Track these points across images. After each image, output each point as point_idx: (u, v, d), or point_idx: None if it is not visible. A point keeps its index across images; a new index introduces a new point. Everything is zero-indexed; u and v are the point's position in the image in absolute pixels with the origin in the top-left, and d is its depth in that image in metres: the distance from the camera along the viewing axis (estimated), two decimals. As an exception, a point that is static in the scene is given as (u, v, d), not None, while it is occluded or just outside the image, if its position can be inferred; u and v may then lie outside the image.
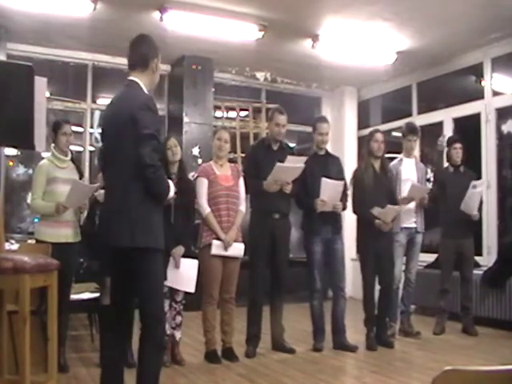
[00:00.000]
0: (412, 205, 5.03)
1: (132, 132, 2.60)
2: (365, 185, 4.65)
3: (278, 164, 4.24)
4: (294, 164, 4.30)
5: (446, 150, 5.55)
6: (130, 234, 2.59)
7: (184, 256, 4.03)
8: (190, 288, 4.03)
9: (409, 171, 5.13)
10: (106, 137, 2.82)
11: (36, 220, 4.77)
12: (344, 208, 4.66)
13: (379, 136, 4.77)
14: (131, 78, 2.77)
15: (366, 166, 4.74)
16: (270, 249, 4.43)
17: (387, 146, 4.91)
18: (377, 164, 4.76)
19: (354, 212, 4.82)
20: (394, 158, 5.27)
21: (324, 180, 4.42)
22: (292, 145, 8.17)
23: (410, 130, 5.28)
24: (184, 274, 4.01)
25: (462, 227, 5.19)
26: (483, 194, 6.13)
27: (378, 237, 4.64)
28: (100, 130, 2.98)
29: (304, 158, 4.39)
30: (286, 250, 4.59)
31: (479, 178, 5.66)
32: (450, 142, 5.47)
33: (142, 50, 2.78)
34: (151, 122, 2.63)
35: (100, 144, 3.02)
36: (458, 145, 5.34)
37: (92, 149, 6.91)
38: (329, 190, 4.43)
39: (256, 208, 4.51)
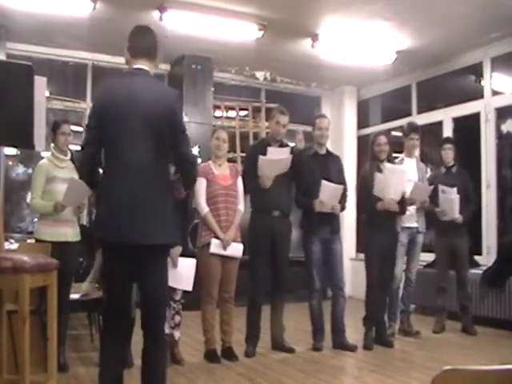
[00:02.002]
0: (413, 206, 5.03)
1: (165, 128, 2.49)
2: (371, 188, 4.62)
3: (261, 157, 4.23)
4: (278, 156, 4.28)
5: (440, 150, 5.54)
6: (166, 231, 2.51)
7: (181, 255, 4.03)
8: (188, 286, 4.03)
9: (410, 171, 5.11)
10: (117, 128, 2.49)
11: (36, 220, 4.77)
12: (342, 209, 4.66)
13: (381, 139, 4.74)
14: (140, 66, 2.59)
15: (370, 170, 4.71)
16: (270, 248, 4.43)
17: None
18: (383, 165, 4.76)
19: (361, 213, 4.81)
20: (395, 158, 5.26)
21: (324, 183, 4.42)
22: (291, 144, 8.19)
23: (412, 128, 5.28)
24: (182, 273, 4.00)
25: (453, 226, 5.19)
26: (482, 194, 6.17)
27: (384, 236, 4.65)
28: (98, 117, 2.53)
29: (288, 149, 4.34)
30: (287, 249, 4.58)
31: (475, 177, 5.65)
32: (441, 142, 5.49)
33: (151, 40, 2.66)
34: (183, 119, 2.59)
35: (92, 132, 2.56)
36: (448, 145, 5.36)
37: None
38: (328, 192, 4.43)
39: (256, 206, 4.50)
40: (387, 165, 4.61)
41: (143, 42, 2.63)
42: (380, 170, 4.66)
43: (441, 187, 5.13)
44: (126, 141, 2.48)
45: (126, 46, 2.66)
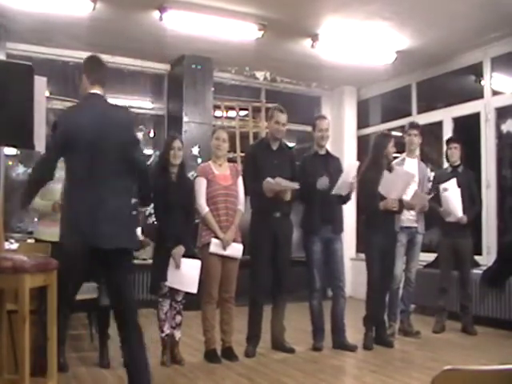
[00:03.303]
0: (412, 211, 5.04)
1: (126, 142, 2.86)
2: (376, 186, 4.61)
3: (268, 179, 4.24)
4: (286, 184, 4.29)
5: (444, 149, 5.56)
6: (129, 236, 2.91)
7: (186, 256, 4.03)
8: (193, 288, 4.03)
9: (411, 172, 5.10)
10: (86, 145, 2.77)
11: (36, 220, 4.76)
12: (344, 202, 4.69)
13: (392, 142, 4.77)
14: (96, 91, 2.92)
15: (379, 169, 4.67)
16: (271, 248, 4.42)
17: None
18: (393, 166, 4.76)
19: (361, 213, 4.84)
20: (395, 158, 5.26)
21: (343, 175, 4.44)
22: (291, 144, 8.19)
23: (411, 125, 5.34)
24: (185, 275, 3.99)
25: (459, 226, 5.19)
26: (482, 194, 6.17)
27: (383, 236, 4.65)
28: (64, 137, 2.80)
29: (296, 184, 4.32)
30: (288, 250, 4.58)
31: (475, 177, 5.66)
32: (448, 141, 5.49)
33: (105, 70, 3.03)
34: (136, 133, 3.09)
35: (54, 149, 2.84)
36: (454, 144, 5.36)
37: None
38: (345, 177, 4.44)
39: (257, 207, 4.50)
40: (398, 167, 4.63)
41: (101, 72, 2.99)
42: (389, 170, 4.68)
43: (442, 186, 5.13)
44: (91, 156, 2.76)
45: (83, 74, 2.97)
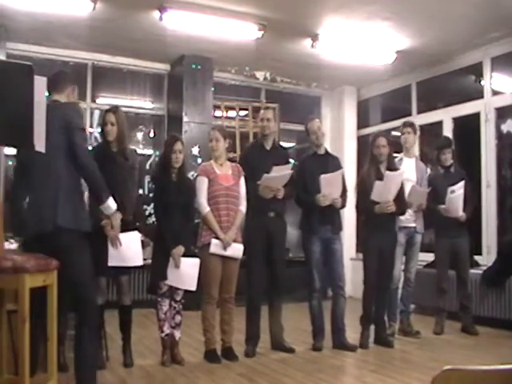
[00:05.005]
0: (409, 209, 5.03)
1: (64, 137, 3.11)
2: (369, 190, 4.61)
3: (265, 175, 4.28)
4: (281, 173, 4.33)
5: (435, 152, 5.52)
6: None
7: (185, 255, 4.03)
8: (192, 286, 4.04)
9: (409, 171, 5.10)
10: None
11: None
12: (343, 205, 4.66)
13: (381, 141, 4.71)
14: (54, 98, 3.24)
15: (369, 172, 4.70)
16: (266, 248, 4.44)
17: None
18: (383, 166, 4.73)
19: (359, 213, 4.84)
20: (394, 158, 5.26)
21: (322, 177, 4.42)
22: (291, 144, 8.19)
23: (405, 123, 5.35)
24: (185, 273, 4.01)
25: (454, 226, 5.18)
26: (482, 194, 6.18)
27: (382, 236, 4.65)
28: None
29: (290, 166, 4.39)
30: (283, 249, 4.61)
31: (475, 177, 5.63)
32: (441, 146, 5.45)
33: (57, 76, 3.33)
34: (78, 127, 3.18)
35: None
36: (447, 150, 5.34)
37: (91, 148, 6.88)
38: (329, 184, 4.44)
39: (251, 207, 4.48)
40: (388, 172, 4.61)
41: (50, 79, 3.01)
42: (379, 173, 4.64)
43: (450, 189, 5.10)
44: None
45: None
